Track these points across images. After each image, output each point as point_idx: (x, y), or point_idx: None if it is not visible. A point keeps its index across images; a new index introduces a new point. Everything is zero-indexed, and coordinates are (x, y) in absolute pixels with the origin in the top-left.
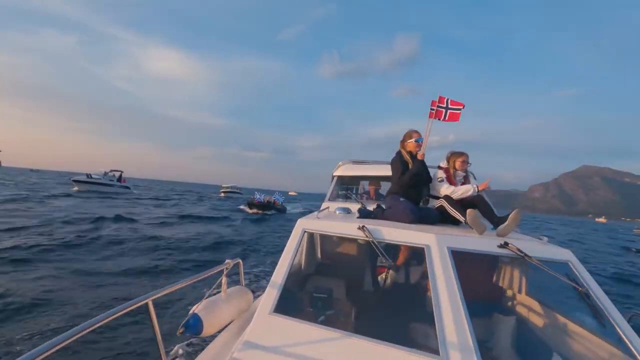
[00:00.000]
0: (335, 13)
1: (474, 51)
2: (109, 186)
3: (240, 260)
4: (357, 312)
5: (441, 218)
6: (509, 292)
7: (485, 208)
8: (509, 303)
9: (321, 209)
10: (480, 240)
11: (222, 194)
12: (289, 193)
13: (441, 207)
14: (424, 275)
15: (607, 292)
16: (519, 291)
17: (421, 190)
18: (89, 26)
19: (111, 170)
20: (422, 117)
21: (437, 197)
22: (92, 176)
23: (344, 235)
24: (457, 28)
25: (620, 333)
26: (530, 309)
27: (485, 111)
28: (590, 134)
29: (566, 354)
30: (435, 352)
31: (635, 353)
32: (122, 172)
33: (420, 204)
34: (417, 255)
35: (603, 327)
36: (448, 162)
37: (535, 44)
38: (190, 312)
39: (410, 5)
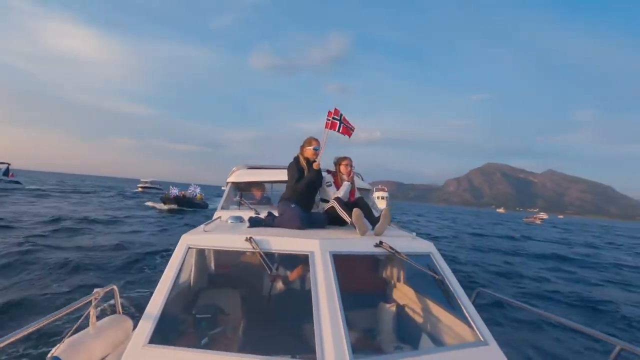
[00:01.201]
0: (269, 3)
1: (402, 54)
2: None
3: (115, 287)
4: (246, 327)
5: (330, 220)
6: (391, 283)
7: (366, 209)
8: (391, 292)
9: (213, 218)
10: (360, 242)
11: (140, 189)
12: (222, 188)
13: (331, 209)
14: (309, 282)
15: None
16: (398, 280)
17: (313, 196)
18: None
19: None
20: (352, 112)
21: (328, 201)
22: None
23: (230, 249)
24: (387, 31)
25: (466, 313)
26: (406, 296)
27: (410, 110)
28: (494, 135)
29: (430, 331)
30: (312, 353)
31: (475, 328)
32: (8, 164)
33: (315, 207)
34: (304, 262)
35: (453, 308)
36: (335, 166)
37: (455, 50)
38: (49, 356)
39: (343, 3)
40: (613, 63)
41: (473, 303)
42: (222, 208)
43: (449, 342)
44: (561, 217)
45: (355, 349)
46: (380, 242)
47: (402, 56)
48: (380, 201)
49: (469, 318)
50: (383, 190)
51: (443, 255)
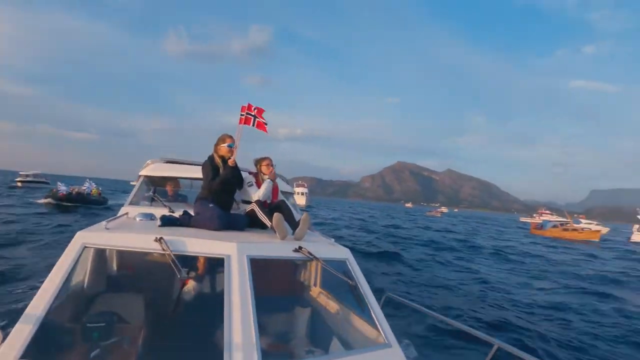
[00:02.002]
0: None
1: (322, 53)
2: None
3: None
4: (147, 337)
5: (251, 222)
6: (308, 287)
7: (287, 212)
8: (308, 296)
9: (119, 214)
10: (279, 246)
11: (19, 184)
12: (131, 182)
13: (251, 212)
14: (223, 286)
15: None
16: (315, 285)
17: (232, 196)
18: None
19: None
20: (273, 107)
21: (249, 202)
22: None
23: (136, 250)
24: (308, 28)
25: (375, 317)
26: (321, 299)
27: (329, 109)
28: (405, 136)
29: (341, 335)
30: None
31: (381, 331)
32: None
33: (237, 208)
34: (219, 265)
35: (364, 312)
36: (256, 167)
37: (371, 55)
38: None
39: None
40: (500, 78)
41: (381, 306)
42: (131, 203)
43: (358, 345)
44: (456, 210)
45: (267, 354)
46: (300, 247)
47: (322, 55)
48: (299, 197)
49: (376, 322)
50: (303, 186)
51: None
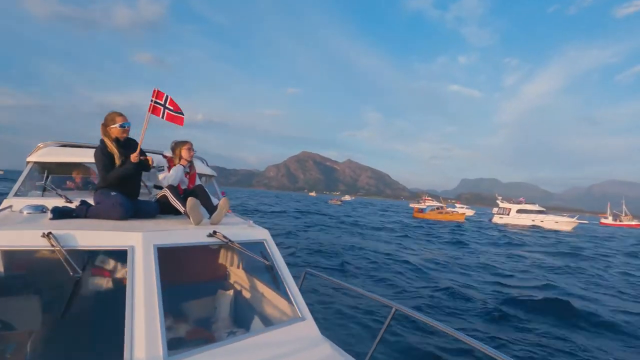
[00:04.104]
0: None
1: (226, 36)
2: None
3: None
4: (36, 342)
5: (164, 208)
6: (227, 270)
7: (204, 197)
8: (227, 280)
9: (0, 207)
10: (192, 232)
11: None
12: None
13: (163, 198)
14: (129, 280)
15: None
16: (237, 267)
17: (138, 181)
18: None
19: None
20: (171, 89)
21: (162, 187)
22: None
23: (19, 249)
24: (207, 5)
25: (290, 293)
26: (242, 281)
27: (232, 96)
28: (309, 127)
29: (261, 313)
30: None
31: (295, 305)
32: None
33: (148, 194)
34: (122, 258)
35: (281, 290)
36: (173, 152)
37: (272, 44)
38: None
39: None
40: (392, 79)
41: (302, 282)
42: (17, 195)
43: (276, 321)
44: (354, 198)
45: (183, 342)
46: (214, 232)
47: (223, 39)
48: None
49: (292, 298)
50: None
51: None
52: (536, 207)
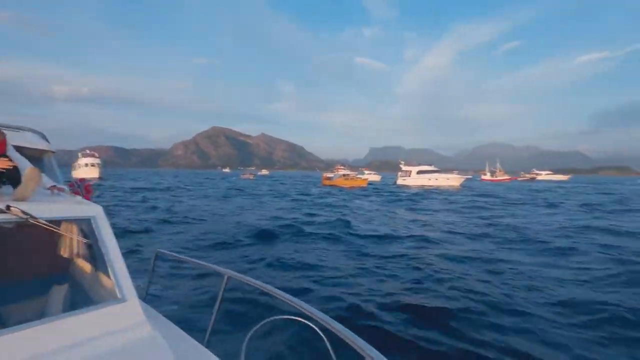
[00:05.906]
0: None
1: None
2: None
3: None
4: None
5: None
6: (69, 258)
7: (9, 170)
8: (67, 268)
9: None
10: None
11: None
12: None
13: None
14: None
15: None
16: (78, 255)
17: None
18: None
19: None
20: (38, 57)
21: None
22: None
23: None
24: None
25: (112, 273)
26: (82, 270)
27: (126, 66)
28: (218, 101)
29: (75, 295)
30: None
31: (117, 286)
32: None
33: None
34: None
35: (106, 269)
36: None
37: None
38: None
39: None
40: (304, 49)
41: (153, 263)
42: None
43: (87, 304)
44: (268, 172)
45: None
46: (8, 207)
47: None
48: (90, 169)
49: (113, 278)
50: (93, 156)
51: None
52: (432, 168)
